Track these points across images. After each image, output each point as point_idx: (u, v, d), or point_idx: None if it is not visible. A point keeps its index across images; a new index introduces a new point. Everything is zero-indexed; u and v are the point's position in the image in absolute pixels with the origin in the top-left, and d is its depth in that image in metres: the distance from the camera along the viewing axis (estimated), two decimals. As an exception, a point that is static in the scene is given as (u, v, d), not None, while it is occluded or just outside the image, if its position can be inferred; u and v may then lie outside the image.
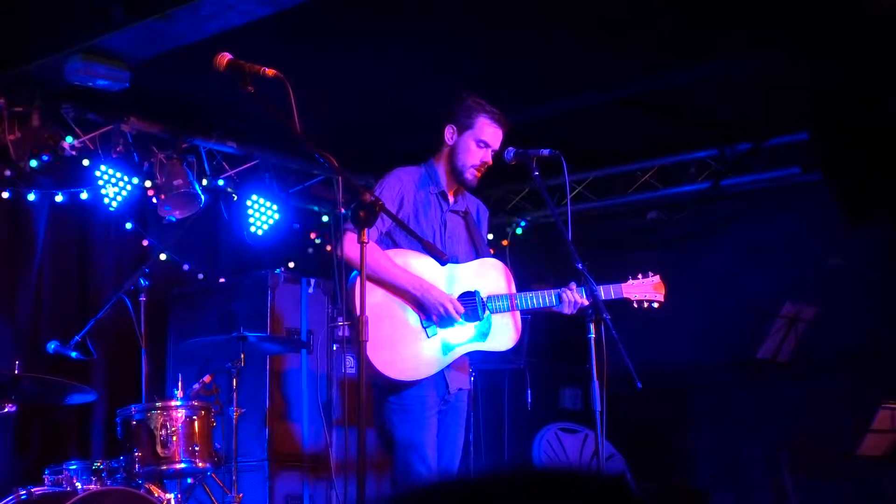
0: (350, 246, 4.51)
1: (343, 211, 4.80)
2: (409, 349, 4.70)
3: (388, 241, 4.81)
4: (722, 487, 8.18)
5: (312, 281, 7.59)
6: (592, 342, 4.61)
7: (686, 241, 8.80)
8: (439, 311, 4.68)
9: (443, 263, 4.39)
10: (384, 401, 4.74)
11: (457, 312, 4.70)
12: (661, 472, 8.22)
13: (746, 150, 8.32)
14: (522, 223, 9.45)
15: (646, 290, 5.02)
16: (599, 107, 7.58)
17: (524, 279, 4.98)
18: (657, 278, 5.06)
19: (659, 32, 6.47)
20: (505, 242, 9.22)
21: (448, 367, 4.78)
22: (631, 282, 5.01)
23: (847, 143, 7.75)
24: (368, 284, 4.61)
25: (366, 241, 4.01)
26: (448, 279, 4.81)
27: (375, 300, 4.65)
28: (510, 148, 4.91)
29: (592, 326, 4.64)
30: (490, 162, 4.92)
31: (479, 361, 4.98)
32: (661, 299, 5.06)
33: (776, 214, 8.42)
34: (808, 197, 8.18)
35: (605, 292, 4.90)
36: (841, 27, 6.35)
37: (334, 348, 7.49)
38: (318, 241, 8.80)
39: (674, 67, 6.97)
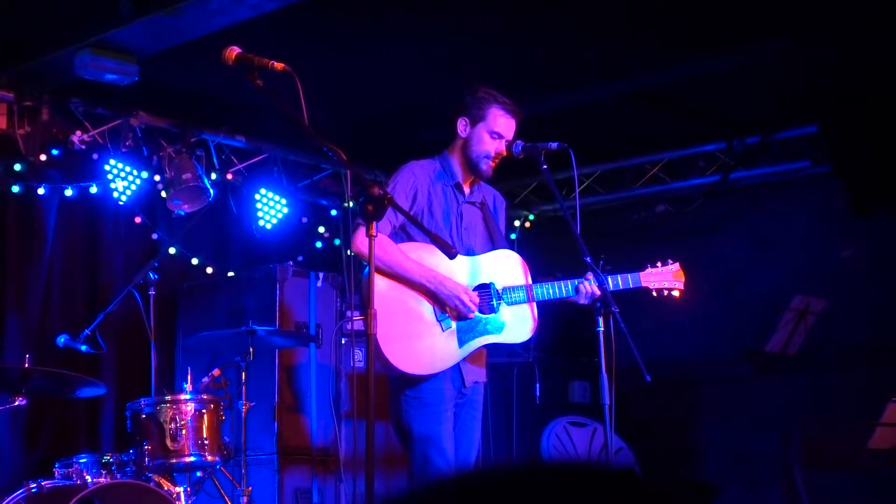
0: (361, 240, 4.49)
1: (352, 204, 4.81)
2: (424, 343, 4.69)
3: (402, 235, 4.80)
4: (731, 480, 8.18)
5: (321, 275, 7.59)
6: (601, 335, 4.60)
7: (695, 234, 8.78)
8: (455, 303, 4.67)
9: (451, 257, 4.38)
10: (400, 394, 4.73)
11: (473, 304, 4.69)
12: (671, 465, 8.22)
13: (755, 143, 8.31)
14: (531, 217, 9.45)
15: (665, 277, 4.98)
16: (608, 100, 7.57)
17: (532, 272, 4.97)
18: (677, 265, 5.01)
19: (667, 25, 6.46)
20: (513, 236, 9.21)
21: (464, 360, 4.77)
22: (650, 270, 4.97)
23: (855, 135, 7.72)
24: (382, 279, 4.62)
25: (374, 234, 4.00)
26: (464, 271, 4.80)
27: (389, 294, 4.64)
28: (518, 141, 4.90)
29: (601, 320, 4.64)
30: (504, 152, 4.90)
31: (487, 355, 4.97)
32: (682, 287, 5.01)
33: (785, 207, 8.40)
34: (817, 190, 8.16)
35: (623, 281, 4.88)
36: (848, 18, 6.33)
37: (343, 342, 7.49)
38: (326, 234, 8.80)
39: (682, 60, 6.96)
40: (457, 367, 4.76)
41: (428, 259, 4.72)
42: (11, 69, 6.75)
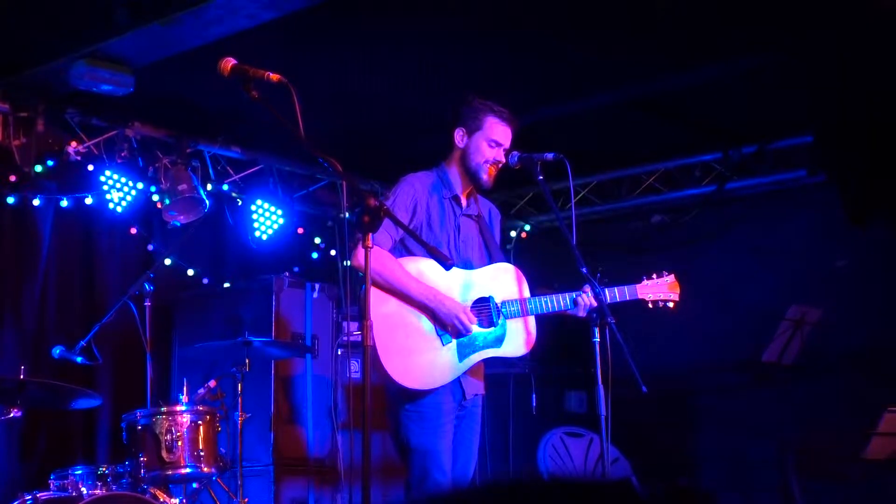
0: (362, 254, 4.48)
1: (348, 215, 4.81)
2: (425, 358, 4.68)
3: (402, 249, 4.79)
4: (728, 490, 8.17)
5: (317, 285, 7.59)
6: (597, 346, 4.60)
7: (691, 244, 8.78)
8: (454, 322, 4.67)
9: (447, 268, 4.38)
10: (400, 407, 4.72)
11: (471, 322, 4.69)
12: (667, 475, 8.20)
13: (751, 152, 8.31)
14: (527, 227, 9.44)
15: (661, 289, 5.00)
16: (603, 110, 7.57)
17: (528, 283, 4.97)
18: (672, 277, 5.04)
19: (662, 35, 6.47)
20: (508, 247, 9.21)
21: (464, 373, 4.77)
22: (646, 282, 4.99)
23: (851, 145, 7.73)
24: (382, 293, 4.61)
25: (370, 245, 3.99)
26: (462, 285, 4.80)
27: (390, 309, 4.64)
28: (514, 152, 4.91)
29: (597, 330, 4.64)
30: (503, 161, 4.92)
31: (484, 366, 4.97)
32: (676, 299, 5.03)
33: (781, 217, 8.41)
34: (813, 199, 8.16)
35: (620, 293, 4.89)
36: (844, 27, 6.34)
37: (339, 353, 7.49)
38: (322, 245, 8.79)
39: (677, 70, 6.97)
40: (457, 381, 4.76)
41: (427, 275, 4.72)
42: (6, 79, 6.74)
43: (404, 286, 4.66)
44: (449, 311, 4.67)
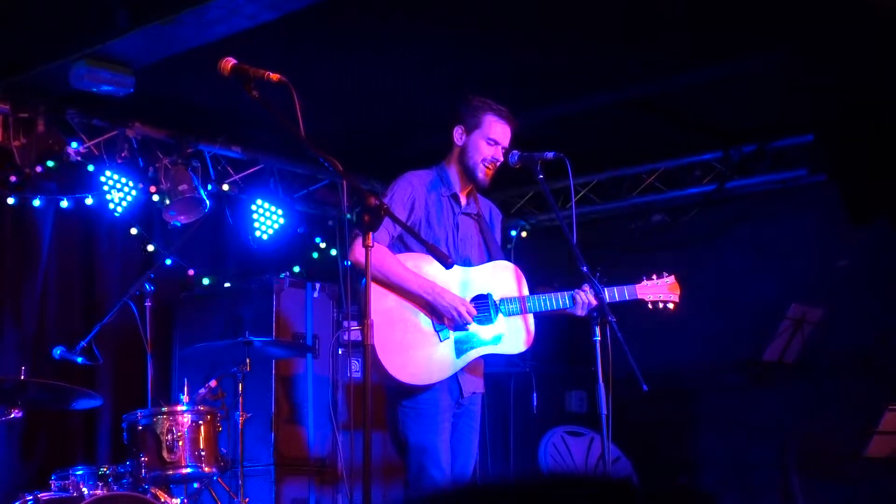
0: (359, 251, 4.49)
1: (348, 215, 4.81)
2: (422, 353, 4.69)
3: (400, 246, 4.80)
4: (729, 489, 8.17)
5: (318, 285, 7.59)
6: (598, 345, 4.61)
7: (691, 243, 8.79)
8: (452, 314, 4.67)
9: (448, 267, 4.38)
10: (398, 404, 4.73)
11: (470, 315, 4.70)
12: (668, 474, 8.21)
13: (751, 152, 8.32)
14: (527, 226, 9.45)
15: (660, 290, 5.01)
16: (604, 109, 7.58)
17: (529, 282, 4.97)
18: (672, 278, 5.05)
19: (663, 35, 6.47)
20: (509, 246, 9.21)
21: (461, 370, 4.77)
22: (645, 282, 5.00)
23: (852, 144, 7.73)
24: (380, 289, 4.62)
25: (371, 244, 4.00)
26: (461, 282, 4.80)
27: (387, 305, 4.65)
28: (514, 151, 4.92)
29: (598, 329, 4.64)
30: (501, 159, 4.92)
31: (484, 365, 4.97)
32: (676, 300, 5.04)
33: (782, 216, 8.41)
34: (814, 198, 8.17)
35: (619, 293, 4.90)
36: (845, 27, 6.34)
37: (339, 352, 7.49)
38: (323, 245, 8.79)
39: (678, 70, 6.97)
40: (454, 378, 4.76)
41: (426, 270, 4.73)
42: (7, 80, 6.75)
43: (403, 280, 4.67)
44: (448, 302, 4.68)
